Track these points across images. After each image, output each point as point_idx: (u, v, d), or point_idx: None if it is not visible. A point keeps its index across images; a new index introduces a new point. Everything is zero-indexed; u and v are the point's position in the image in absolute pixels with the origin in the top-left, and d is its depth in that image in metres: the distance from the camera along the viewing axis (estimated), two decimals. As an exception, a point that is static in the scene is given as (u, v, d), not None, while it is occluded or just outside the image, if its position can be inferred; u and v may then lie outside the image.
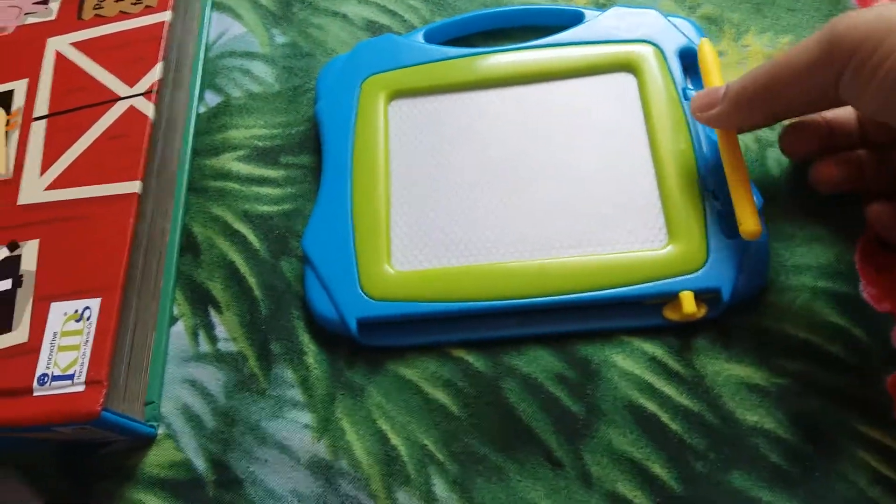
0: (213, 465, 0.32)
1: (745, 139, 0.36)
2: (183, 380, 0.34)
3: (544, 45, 0.38)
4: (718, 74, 0.33)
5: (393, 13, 0.42)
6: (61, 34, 0.39)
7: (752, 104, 0.30)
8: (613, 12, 0.38)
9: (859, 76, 0.26)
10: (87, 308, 0.32)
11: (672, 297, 0.31)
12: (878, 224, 0.31)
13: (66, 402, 0.30)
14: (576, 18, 0.38)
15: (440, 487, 0.31)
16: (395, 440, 0.32)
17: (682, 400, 0.31)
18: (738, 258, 0.31)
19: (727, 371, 0.31)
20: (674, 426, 0.30)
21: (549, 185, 0.34)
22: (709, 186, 0.33)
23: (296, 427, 0.33)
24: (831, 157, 0.32)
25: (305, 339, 0.34)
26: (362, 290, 0.33)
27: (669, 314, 0.31)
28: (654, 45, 0.36)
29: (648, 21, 0.37)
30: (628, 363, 0.32)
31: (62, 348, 0.31)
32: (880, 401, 0.30)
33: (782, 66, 0.28)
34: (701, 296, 0.31)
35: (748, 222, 0.29)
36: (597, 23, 0.38)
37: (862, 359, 0.30)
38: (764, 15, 0.39)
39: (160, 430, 0.33)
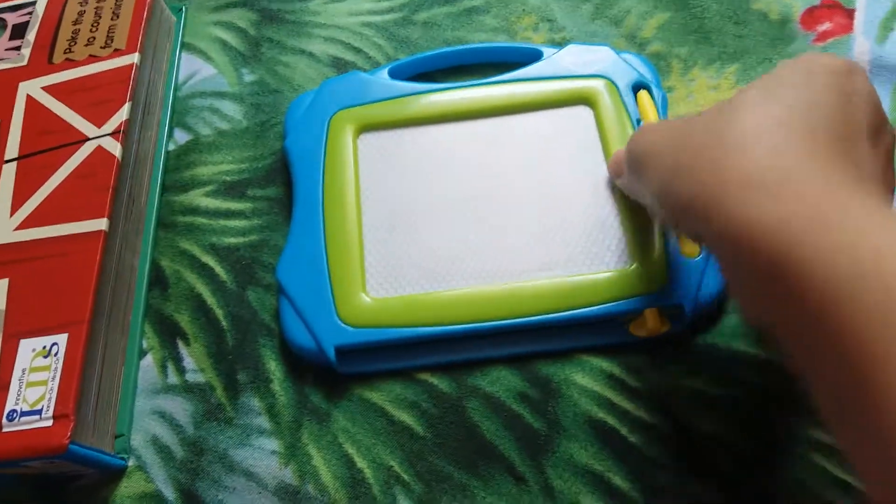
0: (183, 494, 0.33)
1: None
2: (152, 411, 0.35)
3: (507, 80, 0.39)
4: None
5: (358, 50, 0.43)
6: (32, 78, 0.40)
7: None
8: (569, 50, 0.39)
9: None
10: (55, 344, 0.32)
11: (637, 315, 0.32)
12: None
13: (35, 437, 0.30)
14: (534, 56, 0.40)
15: (406, 508, 0.31)
16: (360, 463, 0.32)
17: (640, 413, 0.31)
18: (698, 275, 0.32)
19: (682, 384, 0.32)
20: (633, 439, 0.31)
21: (514, 212, 0.35)
22: None
23: (263, 454, 0.33)
24: None
25: (272, 366, 0.35)
26: (339, 318, 0.33)
27: (636, 331, 0.32)
28: (608, 79, 0.38)
29: (602, 57, 0.39)
30: (587, 380, 0.32)
31: (30, 384, 0.31)
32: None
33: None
34: (664, 312, 0.32)
35: (686, 248, 0.32)
36: (554, 59, 0.39)
37: (813, 366, 0.31)
38: (711, 44, 0.40)
39: (130, 462, 0.34)
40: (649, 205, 0.28)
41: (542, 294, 0.33)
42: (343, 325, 0.33)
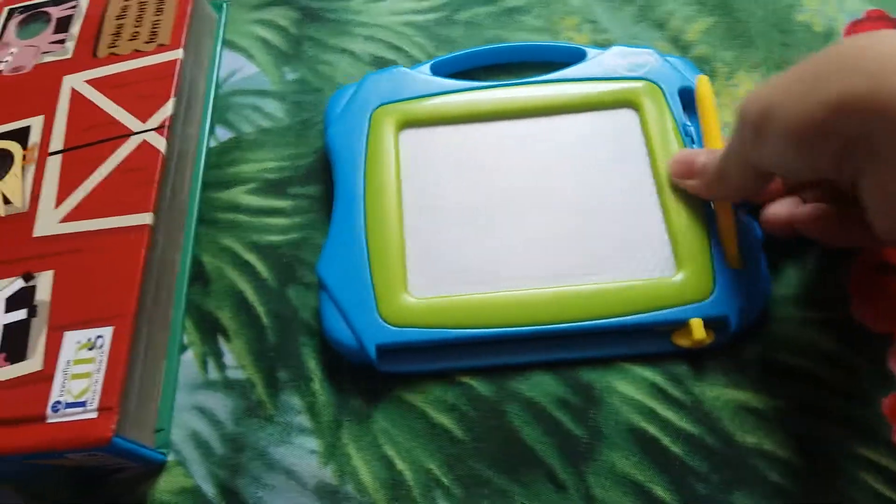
0: (222, 490, 0.33)
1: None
2: (192, 407, 0.35)
3: (550, 80, 0.39)
4: (714, 117, 0.34)
5: (398, 49, 0.44)
6: (77, 72, 0.41)
7: (717, 185, 0.32)
8: (615, 51, 0.39)
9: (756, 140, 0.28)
10: (100, 336, 0.33)
11: (682, 325, 0.32)
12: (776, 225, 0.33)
13: (79, 429, 0.30)
14: (578, 56, 0.40)
15: (445, 511, 0.31)
16: (400, 465, 0.32)
17: (683, 424, 0.31)
18: (744, 287, 0.32)
19: (725, 395, 0.32)
20: (675, 449, 0.31)
21: (557, 215, 0.35)
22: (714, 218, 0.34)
23: (302, 453, 0.33)
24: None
25: (312, 365, 0.35)
26: (381, 317, 0.34)
27: (679, 340, 0.32)
28: (654, 83, 0.38)
29: (648, 60, 0.38)
30: (630, 389, 0.32)
31: (75, 376, 0.32)
32: (876, 423, 0.30)
33: (724, 154, 0.31)
34: (709, 323, 0.32)
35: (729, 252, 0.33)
36: (599, 60, 0.39)
37: (856, 382, 0.31)
38: (756, 48, 0.40)
39: (170, 457, 0.34)
40: (775, 165, 0.28)
41: (586, 300, 0.33)
42: (385, 323, 0.33)
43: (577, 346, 0.33)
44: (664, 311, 0.32)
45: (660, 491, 0.30)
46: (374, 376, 0.34)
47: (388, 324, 0.33)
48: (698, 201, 0.34)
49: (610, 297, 0.33)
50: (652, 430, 0.31)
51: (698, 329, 0.31)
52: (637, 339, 0.33)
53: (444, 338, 0.33)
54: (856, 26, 0.39)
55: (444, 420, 0.33)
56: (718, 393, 0.32)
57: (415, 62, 0.43)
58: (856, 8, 0.40)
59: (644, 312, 0.32)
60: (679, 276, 0.33)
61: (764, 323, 0.33)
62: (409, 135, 0.38)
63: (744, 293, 0.32)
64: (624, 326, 0.32)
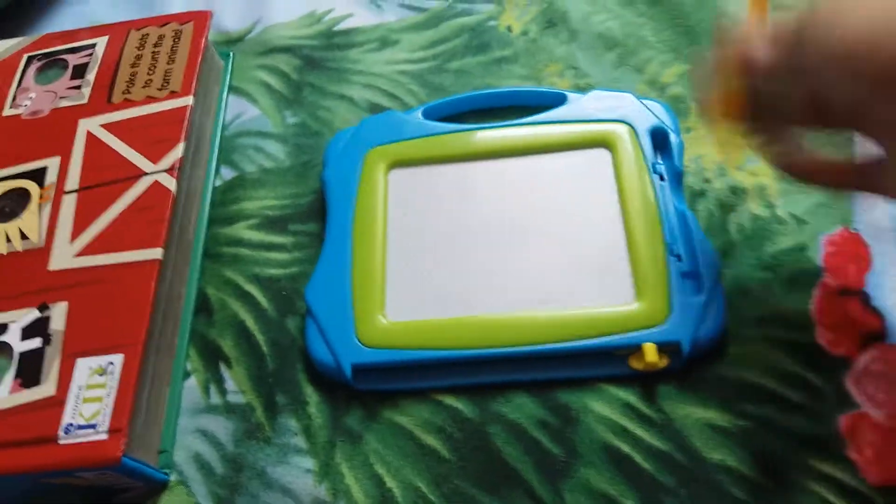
0: (222, 508, 0.35)
1: (710, 204, 0.39)
2: (195, 430, 0.37)
3: (532, 122, 0.42)
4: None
5: (393, 96, 0.47)
6: (92, 116, 0.44)
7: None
8: (593, 95, 0.42)
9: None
10: (111, 363, 0.35)
11: (637, 349, 0.34)
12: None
13: (90, 449, 0.33)
14: (559, 100, 0.43)
15: (432, 526, 0.33)
16: (390, 483, 0.34)
17: (653, 441, 0.33)
18: (698, 314, 0.34)
19: (693, 414, 0.34)
20: (646, 465, 0.33)
21: (531, 246, 0.38)
22: (674, 251, 0.36)
23: (299, 472, 0.35)
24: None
25: (308, 390, 0.37)
26: (357, 339, 0.36)
27: (634, 364, 0.34)
28: (628, 124, 0.40)
29: (624, 103, 0.41)
30: (604, 409, 0.34)
31: (87, 399, 0.34)
32: (833, 439, 0.32)
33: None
34: (663, 347, 0.34)
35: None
36: (578, 104, 0.42)
37: (816, 401, 0.33)
38: (726, 93, 0.43)
39: (173, 477, 0.36)
40: (847, 96, 0.27)
41: (547, 324, 0.35)
42: (361, 345, 0.36)
43: (541, 368, 0.35)
44: (621, 336, 0.34)
45: (631, 505, 0.32)
46: (366, 400, 0.36)
47: (364, 345, 0.36)
48: (660, 234, 0.36)
49: (573, 322, 0.35)
50: (625, 447, 0.33)
51: (651, 353, 0.34)
52: (599, 361, 0.35)
53: (414, 358, 0.35)
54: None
55: (432, 441, 0.35)
56: (688, 412, 0.34)
57: (409, 108, 0.46)
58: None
59: (603, 336, 0.34)
60: (637, 304, 0.35)
61: (729, 344, 0.35)
62: (399, 173, 0.41)
63: (697, 321, 0.34)
64: (584, 350, 0.34)
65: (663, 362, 0.34)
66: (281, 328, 0.39)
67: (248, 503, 0.35)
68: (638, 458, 0.33)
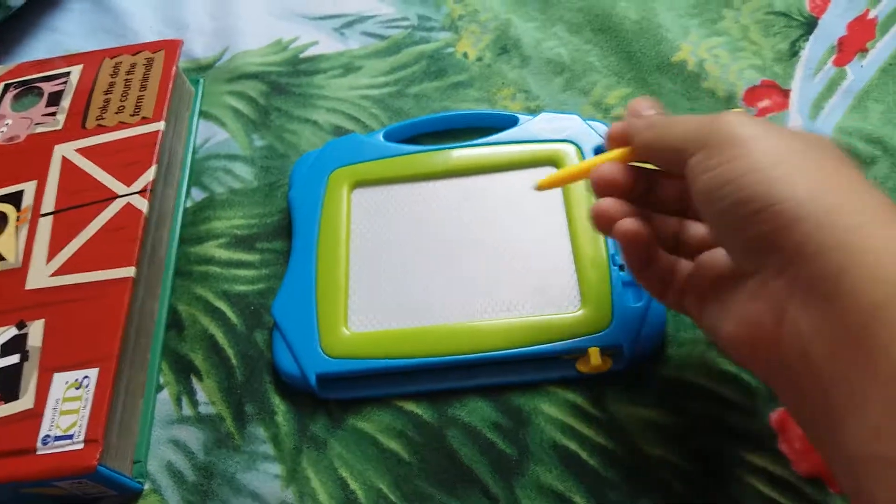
0: (194, 514, 0.37)
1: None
2: (167, 440, 0.39)
3: (485, 143, 0.44)
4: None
5: (356, 119, 0.49)
6: (67, 141, 0.45)
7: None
8: (542, 117, 0.45)
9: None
10: (87, 377, 0.37)
11: (583, 353, 0.37)
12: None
13: (67, 459, 0.34)
14: (511, 122, 0.45)
15: (393, 525, 0.35)
16: (353, 485, 0.36)
17: (599, 439, 0.36)
18: (639, 320, 0.37)
19: (636, 413, 0.36)
20: (592, 462, 0.35)
21: (485, 259, 0.40)
22: (616, 261, 0.39)
23: (267, 477, 0.37)
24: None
25: (276, 400, 0.39)
26: (322, 349, 0.38)
27: (581, 367, 0.37)
28: (574, 144, 0.43)
29: (571, 124, 0.44)
30: (554, 410, 0.37)
31: (63, 412, 0.36)
32: (765, 433, 0.35)
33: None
34: (607, 351, 0.37)
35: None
36: (528, 125, 0.44)
37: (749, 399, 0.36)
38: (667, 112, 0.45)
39: (146, 486, 0.38)
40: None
41: (500, 331, 0.37)
42: (325, 355, 0.38)
43: (497, 373, 0.38)
44: (568, 342, 0.37)
45: (578, 499, 0.34)
46: (331, 408, 0.38)
47: (328, 356, 0.38)
48: (603, 247, 0.39)
49: (523, 329, 0.37)
50: (572, 445, 0.36)
51: (595, 357, 0.36)
52: (548, 366, 0.37)
53: (375, 367, 0.38)
54: (753, 91, 0.45)
55: (393, 445, 0.37)
56: (631, 411, 0.36)
57: (370, 130, 0.48)
58: (752, 77, 0.46)
59: (551, 342, 0.37)
60: (582, 312, 0.38)
61: (668, 346, 0.38)
62: (361, 193, 0.44)
63: (638, 325, 0.37)
64: (534, 355, 0.37)
65: (607, 365, 0.36)
66: (249, 342, 0.41)
67: (218, 508, 0.37)
68: (584, 454, 0.35)
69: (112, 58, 0.50)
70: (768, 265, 0.26)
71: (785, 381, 0.27)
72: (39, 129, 0.47)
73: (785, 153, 0.26)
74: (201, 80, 0.52)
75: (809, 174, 0.26)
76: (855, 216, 0.24)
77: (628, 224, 0.32)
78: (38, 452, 0.35)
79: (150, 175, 0.43)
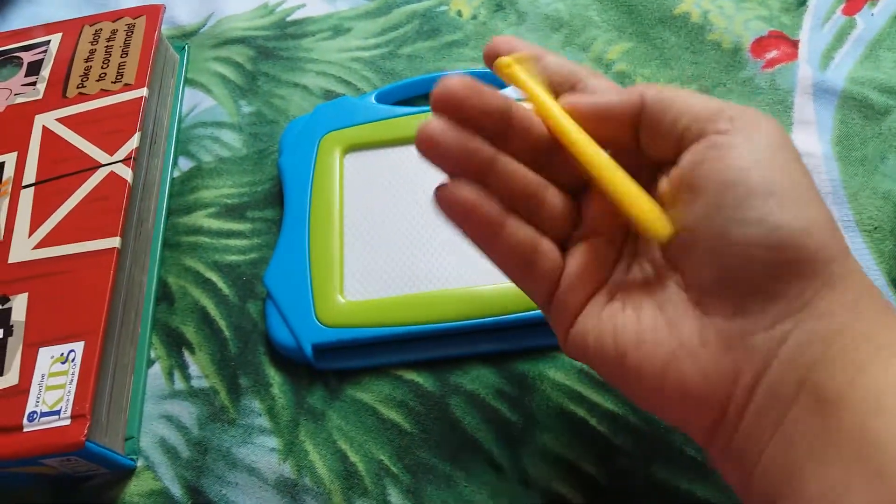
0: (189, 491, 0.35)
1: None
2: (160, 415, 0.37)
3: None
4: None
5: (348, 83, 0.47)
6: (47, 111, 0.44)
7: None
8: None
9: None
10: (72, 351, 0.35)
11: None
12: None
13: (54, 435, 0.33)
14: None
15: (395, 497, 0.34)
16: (353, 457, 0.35)
17: (608, 405, 0.34)
18: None
19: (645, 376, 0.35)
20: (601, 428, 0.34)
21: None
22: None
23: (263, 451, 0.36)
24: None
25: (271, 372, 0.38)
26: (317, 319, 0.37)
27: None
28: None
29: None
30: (560, 375, 0.35)
31: (49, 388, 0.34)
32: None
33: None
34: None
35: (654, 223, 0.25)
36: None
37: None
38: (671, 68, 0.44)
39: (139, 463, 0.36)
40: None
41: (501, 296, 0.36)
42: (320, 325, 0.37)
43: (500, 339, 0.36)
44: None
45: (587, 466, 0.33)
46: (329, 378, 0.37)
47: (324, 325, 0.37)
48: None
49: (512, 295, 0.36)
50: (581, 412, 0.34)
51: None
52: (540, 332, 0.36)
53: (372, 335, 0.36)
54: (760, 42, 0.44)
55: (394, 415, 0.36)
56: (639, 376, 0.35)
57: (362, 94, 0.46)
58: (759, 27, 0.44)
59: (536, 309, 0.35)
60: None
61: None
62: (354, 157, 0.42)
63: None
64: (537, 319, 0.35)
65: None
66: (242, 313, 0.40)
67: (214, 484, 0.35)
68: (593, 421, 0.34)
69: (92, 25, 0.48)
70: (767, 312, 0.22)
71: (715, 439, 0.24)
72: (19, 100, 0.45)
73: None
74: (186, 47, 0.50)
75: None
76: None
77: (460, 190, 0.25)
78: (25, 430, 0.33)
79: (133, 143, 0.41)
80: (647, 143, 0.26)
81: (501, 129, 0.26)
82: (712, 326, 0.23)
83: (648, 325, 0.24)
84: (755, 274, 0.22)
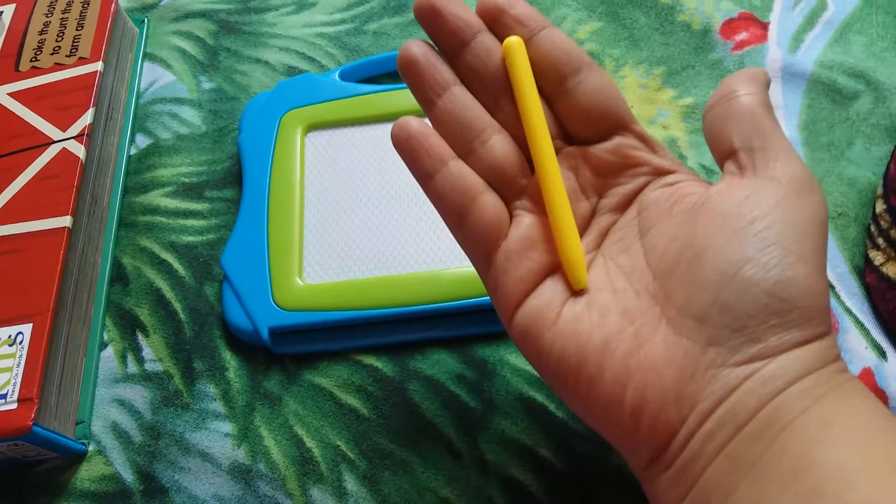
0: (141, 476, 0.34)
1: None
2: (112, 399, 0.37)
3: None
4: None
5: (311, 59, 0.46)
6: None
7: None
8: None
9: None
10: (20, 333, 0.34)
11: None
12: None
13: (0, 420, 0.32)
14: None
15: (351, 483, 0.33)
16: (309, 443, 0.34)
17: (567, 390, 0.34)
18: None
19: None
20: (560, 414, 0.34)
21: None
22: None
23: (217, 436, 0.35)
24: None
25: (227, 356, 0.37)
26: (274, 302, 0.36)
27: None
28: None
29: None
30: (520, 361, 0.35)
31: (-4, 371, 0.33)
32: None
33: None
34: None
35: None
36: None
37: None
38: (640, 48, 0.43)
39: (91, 447, 0.36)
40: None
41: (461, 280, 0.35)
42: (278, 308, 0.36)
43: (460, 324, 0.36)
44: None
45: (545, 452, 0.33)
46: (286, 362, 0.36)
47: (281, 308, 0.36)
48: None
49: (469, 279, 0.35)
50: (539, 397, 0.34)
51: None
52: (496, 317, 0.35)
53: (330, 319, 0.35)
54: (730, 24, 0.43)
55: (352, 400, 0.35)
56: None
57: (326, 70, 0.45)
58: (730, 8, 0.44)
59: None
60: None
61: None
62: (315, 136, 0.41)
63: None
64: (488, 305, 0.35)
65: None
66: (199, 295, 0.39)
67: (166, 469, 0.34)
68: (552, 406, 0.34)
69: (47, -5, 0.46)
70: (742, 350, 0.22)
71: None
72: (-30, 74, 0.43)
73: None
74: (146, 20, 0.49)
75: None
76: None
77: (410, 123, 0.26)
78: (-30, 414, 0.32)
79: (87, 119, 0.40)
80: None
81: (461, 43, 0.26)
82: (680, 347, 0.22)
83: (613, 331, 0.23)
84: (746, 313, 0.21)
